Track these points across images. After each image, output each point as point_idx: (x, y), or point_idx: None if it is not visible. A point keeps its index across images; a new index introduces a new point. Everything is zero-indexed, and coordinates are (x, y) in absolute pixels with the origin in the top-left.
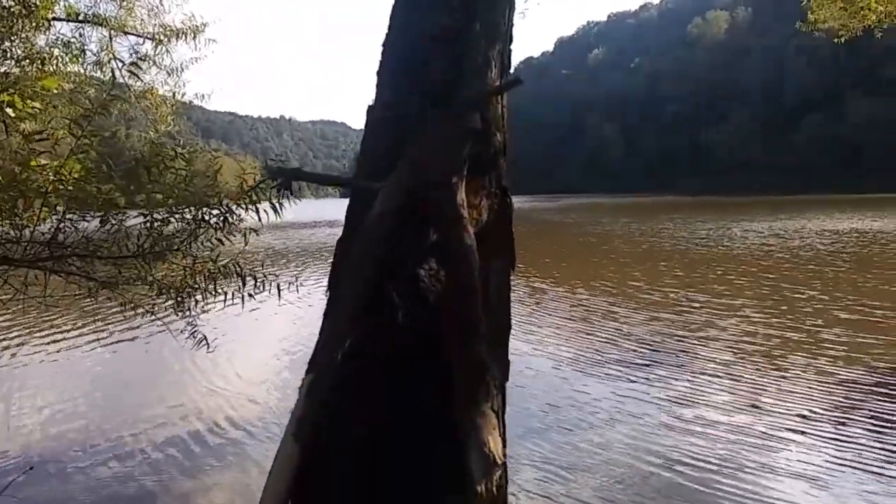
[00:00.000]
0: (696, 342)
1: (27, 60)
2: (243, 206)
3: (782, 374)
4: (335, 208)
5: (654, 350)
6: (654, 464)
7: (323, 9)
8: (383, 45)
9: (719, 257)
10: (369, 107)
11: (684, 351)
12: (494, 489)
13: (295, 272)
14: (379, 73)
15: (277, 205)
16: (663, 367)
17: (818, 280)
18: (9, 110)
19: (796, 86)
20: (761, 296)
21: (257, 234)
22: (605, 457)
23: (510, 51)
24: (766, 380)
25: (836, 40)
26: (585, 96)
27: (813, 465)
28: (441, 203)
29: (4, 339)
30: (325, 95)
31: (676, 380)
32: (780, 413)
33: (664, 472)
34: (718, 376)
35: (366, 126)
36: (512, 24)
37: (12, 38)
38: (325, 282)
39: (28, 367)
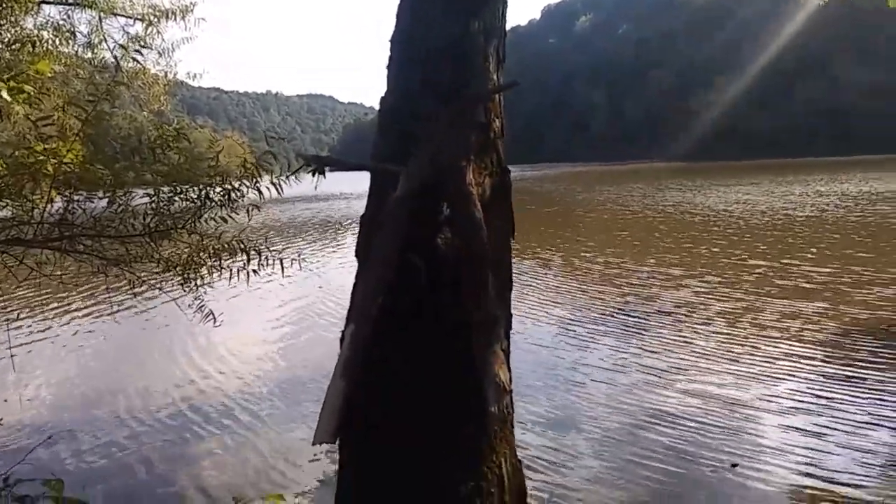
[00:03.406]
0: (641, 311)
1: (17, 44)
2: (246, 185)
3: (719, 338)
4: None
5: (594, 317)
6: (638, 420)
7: None
8: (391, 40)
9: (679, 223)
10: (382, 97)
11: (623, 318)
12: (505, 411)
13: (296, 246)
14: (389, 68)
15: (281, 183)
16: (610, 334)
17: (768, 245)
18: (4, 94)
19: (788, 51)
20: (714, 262)
21: (259, 210)
22: (588, 411)
23: (504, 44)
24: (714, 343)
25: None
26: (572, 65)
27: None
28: (453, 184)
29: (20, 317)
30: (311, 69)
31: (623, 348)
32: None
33: (647, 428)
34: (662, 345)
35: (379, 114)
36: (505, 21)
37: (1, 21)
38: (322, 257)
39: (42, 342)
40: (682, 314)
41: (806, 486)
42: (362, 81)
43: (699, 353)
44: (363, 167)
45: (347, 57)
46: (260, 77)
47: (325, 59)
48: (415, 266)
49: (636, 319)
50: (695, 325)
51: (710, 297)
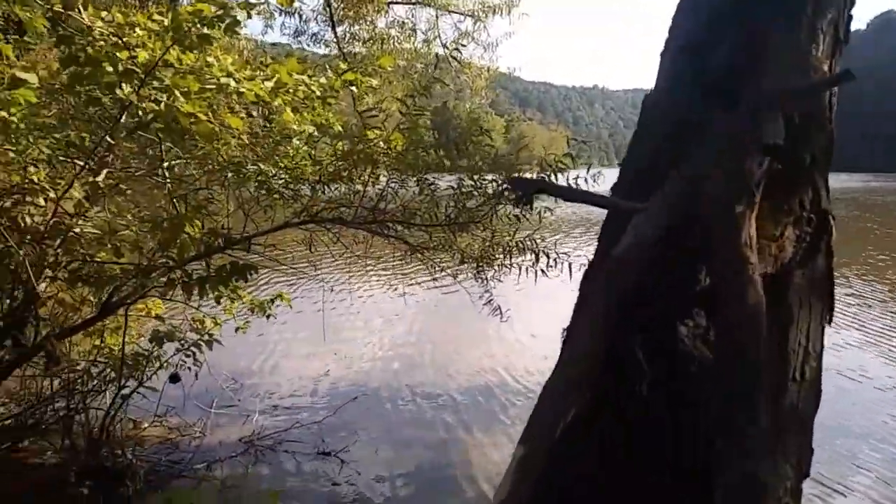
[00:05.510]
0: None
1: (370, 41)
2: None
3: None
4: None
5: None
6: None
7: None
8: (673, 18)
9: None
10: (645, 96)
11: None
12: None
13: (584, 249)
14: (662, 55)
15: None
16: None
17: None
18: (353, 88)
19: None
20: None
21: (552, 213)
22: None
23: (850, 16)
24: None
25: None
26: None
27: None
28: (718, 239)
29: (337, 287)
30: (638, 63)
31: None
32: None
33: None
34: None
35: (639, 122)
36: None
37: (359, 22)
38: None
39: (354, 312)
40: None
41: None
42: None
43: None
44: (588, 198)
45: None
46: (587, 71)
47: (651, 51)
48: (635, 364)
49: None
50: None
51: None
